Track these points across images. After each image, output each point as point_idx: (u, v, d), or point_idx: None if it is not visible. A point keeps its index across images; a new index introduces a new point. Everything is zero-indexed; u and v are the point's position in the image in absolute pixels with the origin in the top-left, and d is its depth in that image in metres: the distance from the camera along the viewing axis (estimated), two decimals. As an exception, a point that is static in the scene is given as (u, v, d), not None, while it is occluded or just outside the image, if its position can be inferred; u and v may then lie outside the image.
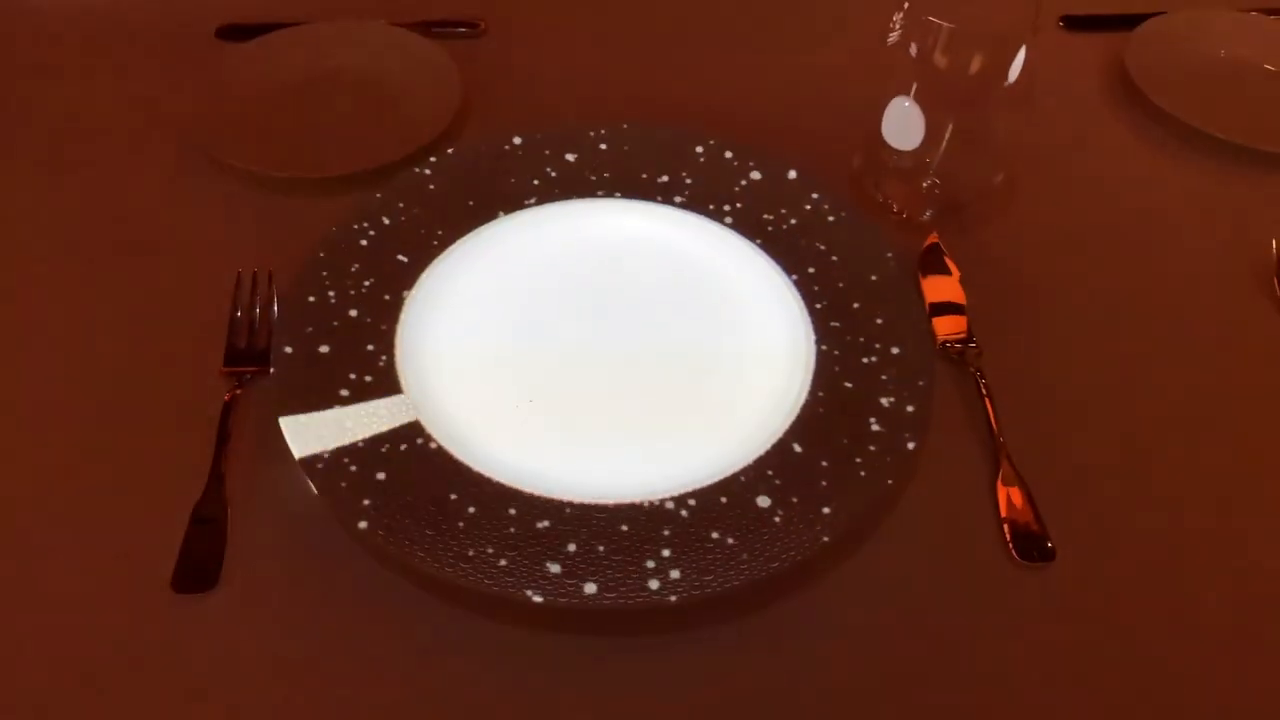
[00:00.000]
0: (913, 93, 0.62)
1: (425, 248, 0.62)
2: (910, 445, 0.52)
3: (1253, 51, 0.82)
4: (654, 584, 0.47)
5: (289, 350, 0.55)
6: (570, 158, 0.68)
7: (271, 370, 0.54)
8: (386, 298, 0.59)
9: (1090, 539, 0.52)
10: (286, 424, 0.51)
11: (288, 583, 0.49)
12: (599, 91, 0.78)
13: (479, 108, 0.74)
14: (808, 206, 0.65)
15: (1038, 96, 0.63)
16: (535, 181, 0.66)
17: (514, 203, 0.65)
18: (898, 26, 0.62)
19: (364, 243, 0.61)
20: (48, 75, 0.77)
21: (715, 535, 0.49)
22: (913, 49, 0.61)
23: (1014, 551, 0.51)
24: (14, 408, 0.56)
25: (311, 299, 0.58)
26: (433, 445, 0.52)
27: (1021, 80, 0.61)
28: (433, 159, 0.66)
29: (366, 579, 0.50)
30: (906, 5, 0.61)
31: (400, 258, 0.61)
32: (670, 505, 0.50)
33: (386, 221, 0.63)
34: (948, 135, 0.64)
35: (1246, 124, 0.74)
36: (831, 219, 0.64)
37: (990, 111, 0.63)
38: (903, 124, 0.63)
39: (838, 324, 0.59)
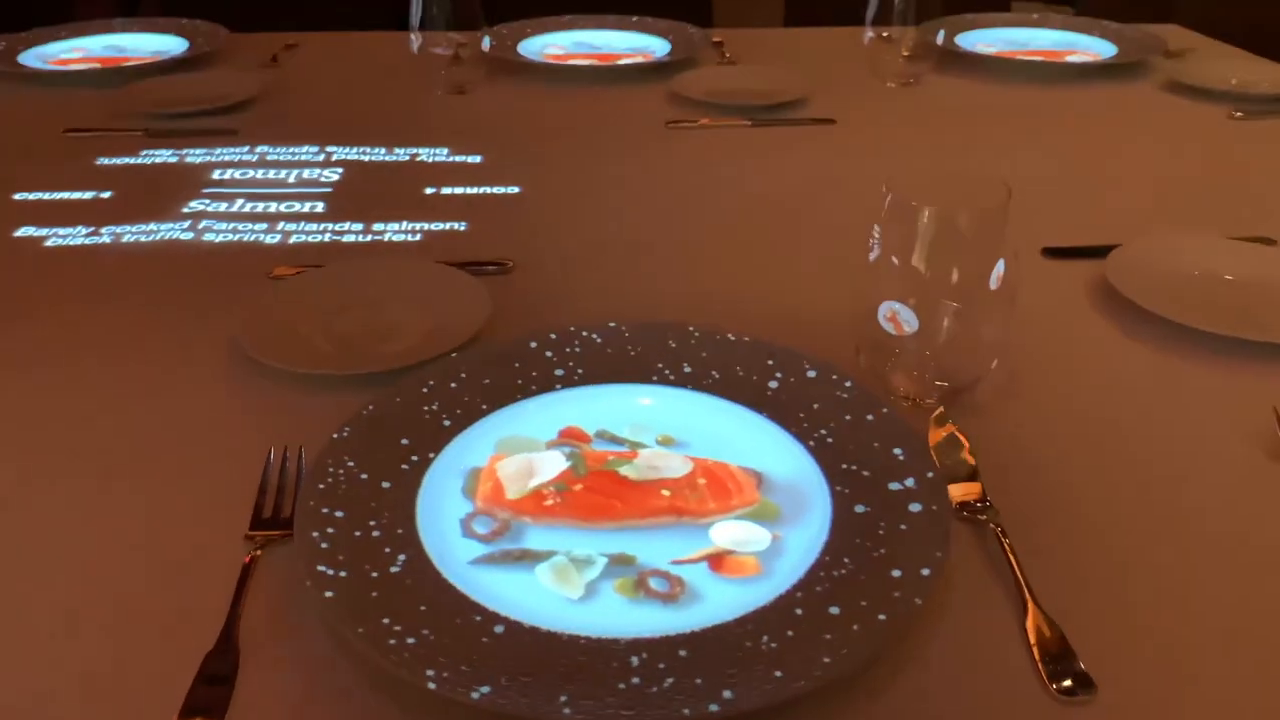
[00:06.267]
0: (902, 296, 0.66)
1: (450, 421, 0.65)
2: (925, 571, 0.52)
3: (1220, 266, 0.88)
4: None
5: (312, 513, 0.56)
6: (591, 348, 0.72)
7: (295, 533, 0.55)
8: (405, 467, 0.61)
9: (1129, 676, 0.50)
10: (312, 576, 0.52)
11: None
12: (615, 310, 0.84)
13: (505, 325, 0.80)
14: (830, 403, 0.66)
15: (1023, 303, 0.67)
16: (556, 371, 0.70)
17: (542, 385, 0.68)
18: (875, 245, 0.68)
19: (388, 420, 0.64)
20: (117, 299, 0.86)
21: (734, 669, 0.48)
22: (894, 260, 0.66)
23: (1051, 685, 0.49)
24: (47, 550, 0.58)
25: (332, 468, 0.59)
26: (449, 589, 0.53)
27: (1004, 286, 0.66)
28: (454, 354, 0.72)
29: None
30: (881, 225, 0.66)
31: (423, 430, 0.64)
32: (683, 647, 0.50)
33: (411, 402, 0.66)
34: (943, 329, 0.68)
35: (1226, 320, 0.78)
36: (845, 397, 0.66)
37: (977, 312, 0.67)
38: (898, 323, 0.67)
39: (853, 485, 0.60)
